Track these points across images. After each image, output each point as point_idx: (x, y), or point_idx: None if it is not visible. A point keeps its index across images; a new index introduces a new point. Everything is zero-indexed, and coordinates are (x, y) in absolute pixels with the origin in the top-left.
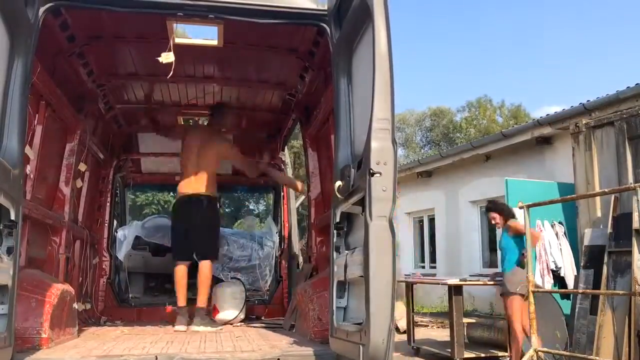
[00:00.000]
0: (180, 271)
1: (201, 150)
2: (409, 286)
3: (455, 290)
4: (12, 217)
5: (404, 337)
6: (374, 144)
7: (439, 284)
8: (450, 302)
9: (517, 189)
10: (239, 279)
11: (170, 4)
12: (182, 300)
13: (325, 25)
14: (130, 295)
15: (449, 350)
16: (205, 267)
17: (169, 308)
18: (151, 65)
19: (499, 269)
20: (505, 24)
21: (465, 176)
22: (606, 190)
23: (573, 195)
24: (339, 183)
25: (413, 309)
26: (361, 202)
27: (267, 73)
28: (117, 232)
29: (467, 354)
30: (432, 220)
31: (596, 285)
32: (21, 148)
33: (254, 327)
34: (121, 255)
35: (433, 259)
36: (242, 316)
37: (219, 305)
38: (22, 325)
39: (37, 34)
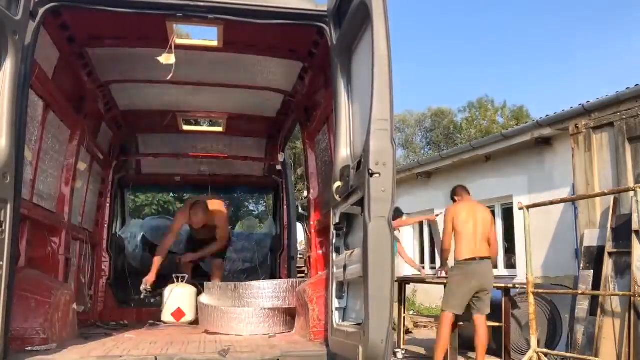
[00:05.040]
0: None
1: None
2: (402, 285)
3: None
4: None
5: (407, 337)
6: (373, 145)
7: (433, 283)
8: None
9: None
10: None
11: (170, 5)
12: None
13: (324, 26)
14: (132, 296)
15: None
16: None
17: None
18: (151, 66)
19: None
20: (507, 24)
21: (465, 177)
22: (606, 191)
23: (573, 196)
24: (337, 184)
25: (405, 309)
26: (360, 203)
27: (267, 74)
28: (122, 233)
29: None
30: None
31: (596, 286)
32: (16, 148)
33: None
34: (128, 255)
35: (433, 260)
36: (190, 317)
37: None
38: (22, 325)
39: (37, 35)
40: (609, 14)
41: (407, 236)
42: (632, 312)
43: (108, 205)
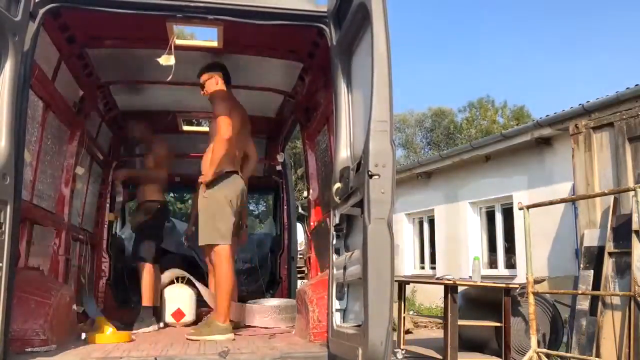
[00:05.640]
0: None
1: None
2: (401, 285)
3: (451, 290)
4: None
5: (407, 337)
6: (372, 146)
7: (434, 283)
8: (445, 302)
9: None
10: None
11: (170, 6)
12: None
13: (324, 27)
14: (131, 297)
15: (436, 352)
16: None
17: None
18: (151, 67)
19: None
20: (508, 24)
21: (465, 177)
22: (606, 191)
23: (573, 196)
24: (337, 185)
25: (405, 309)
26: (360, 204)
27: (267, 74)
28: (121, 233)
29: (460, 358)
30: (432, 221)
31: (596, 286)
32: (16, 149)
33: (254, 328)
34: (128, 255)
35: (433, 260)
36: (190, 318)
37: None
38: (22, 326)
39: (36, 35)
40: (609, 14)
41: (407, 235)
42: (633, 312)
43: (108, 205)
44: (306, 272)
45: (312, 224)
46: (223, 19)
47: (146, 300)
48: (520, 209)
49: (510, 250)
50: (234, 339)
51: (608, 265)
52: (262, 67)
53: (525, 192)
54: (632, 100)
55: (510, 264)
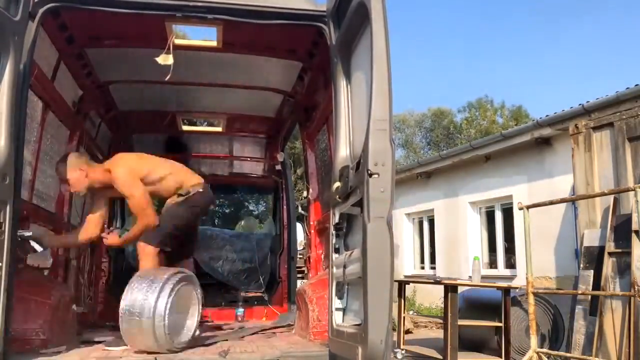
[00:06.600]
0: None
1: None
2: (401, 285)
3: (451, 290)
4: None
5: (407, 337)
6: (372, 145)
7: (434, 283)
8: (445, 302)
9: None
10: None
11: (169, 5)
12: None
13: (324, 26)
14: None
15: (436, 352)
16: None
17: None
18: (151, 66)
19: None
20: (507, 24)
21: (464, 177)
22: (605, 191)
23: (573, 196)
24: (337, 184)
25: (405, 309)
26: (360, 203)
27: (266, 74)
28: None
29: (460, 358)
30: (431, 221)
31: (596, 286)
32: (15, 149)
33: (254, 328)
34: (127, 254)
35: (433, 260)
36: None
37: None
38: (22, 327)
39: (36, 35)
40: (609, 14)
41: (407, 235)
42: (633, 312)
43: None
44: (306, 272)
45: (311, 223)
46: (222, 19)
47: None
48: (520, 209)
49: (510, 250)
50: None
51: (608, 265)
52: (261, 67)
53: (525, 192)
54: (632, 100)
55: (510, 264)
